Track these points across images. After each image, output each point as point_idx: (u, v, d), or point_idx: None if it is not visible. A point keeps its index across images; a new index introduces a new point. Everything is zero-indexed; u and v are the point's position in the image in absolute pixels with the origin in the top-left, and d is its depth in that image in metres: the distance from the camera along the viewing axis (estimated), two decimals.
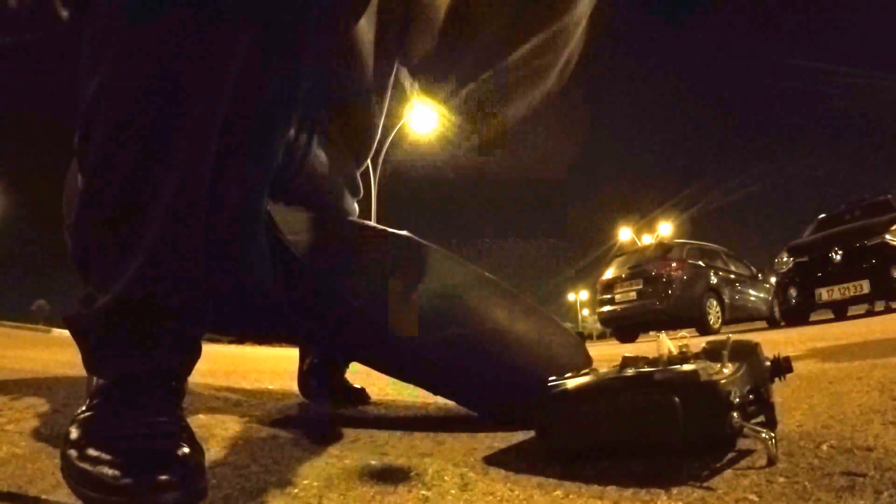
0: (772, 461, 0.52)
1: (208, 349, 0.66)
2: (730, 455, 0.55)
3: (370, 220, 0.98)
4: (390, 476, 0.57)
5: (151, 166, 0.52)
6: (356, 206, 1.03)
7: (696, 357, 0.58)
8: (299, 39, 0.57)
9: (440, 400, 0.95)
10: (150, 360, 0.56)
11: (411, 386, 0.90)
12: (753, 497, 0.45)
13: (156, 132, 0.51)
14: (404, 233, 0.93)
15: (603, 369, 0.63)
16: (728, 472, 0.51)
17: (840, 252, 5.57)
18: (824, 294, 5.68)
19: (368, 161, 1.06)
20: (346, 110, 0.93)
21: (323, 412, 1.08)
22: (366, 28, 0.87)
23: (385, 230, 0.93)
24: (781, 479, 0.49)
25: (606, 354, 2.28)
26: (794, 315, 6.33)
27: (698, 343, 0.63)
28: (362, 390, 1.18)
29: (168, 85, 0.50)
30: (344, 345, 0.93)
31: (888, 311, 5.74)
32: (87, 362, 0.59)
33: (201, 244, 0.55)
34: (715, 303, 7.71)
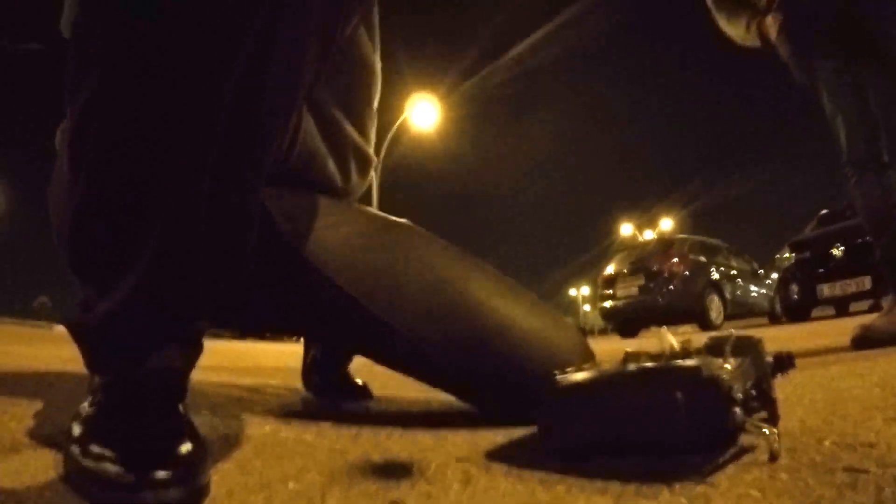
0: (774, 457, 0.52)
1: (210, 345, 0.66)
2: (732, 450, 0.55)
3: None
4: (393, 471, 0.57)
5: (151, 173, 0.51)
6: (362, 180, 1.00)
7: (698, 352, 0.58)
8: (302, 40, 0.56)
9: (442, 396, 0.95)
10: (151, 359, 0.56)
11: (413, 381, 0.90)
12: (755, 493, 0.45)
13: (154, 139, 0.51)
14: (405, 221, 0.92)
15: (605, 365, 0.63)
16: (730, 468, 0.51)
17: (842, 248, 5.56)
18: (826, 290, 5.68)
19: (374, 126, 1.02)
20: (339, 74, 0.90)
21: (325, 407, 1.08)
22: None
23: (386, 218, 0.92)
24: (783, 475, 0.49)
25: (608, 350, 2.27)
26: (796, 311, 6.33)
27: (699, 339, 0.63)
28: (365, 385, 1.18)
29: (166, 90, 0.50)
30: (344, 337, 0.93)
31: None
32: (89, 363, 0.59)
33: (202, 244, 0.55)
34: (716, 298, 7.72)
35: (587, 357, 0.84)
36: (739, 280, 8.35)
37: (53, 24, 0.72)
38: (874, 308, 5.53)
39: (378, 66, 0.98)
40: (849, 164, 1.79)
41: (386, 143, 10.16)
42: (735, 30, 1.94)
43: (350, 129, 0.94)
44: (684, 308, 7.48)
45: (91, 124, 0.51)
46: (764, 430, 0.52)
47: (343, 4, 0.63)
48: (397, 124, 10.41)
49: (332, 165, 0.92)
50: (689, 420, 0.50)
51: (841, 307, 6.67)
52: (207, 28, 0.49)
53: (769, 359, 0.58)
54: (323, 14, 0.58)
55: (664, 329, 0.62)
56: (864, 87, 1.75)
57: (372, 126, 1.01)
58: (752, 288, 8.62)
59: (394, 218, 0.93)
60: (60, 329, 0.80)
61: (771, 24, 1.86)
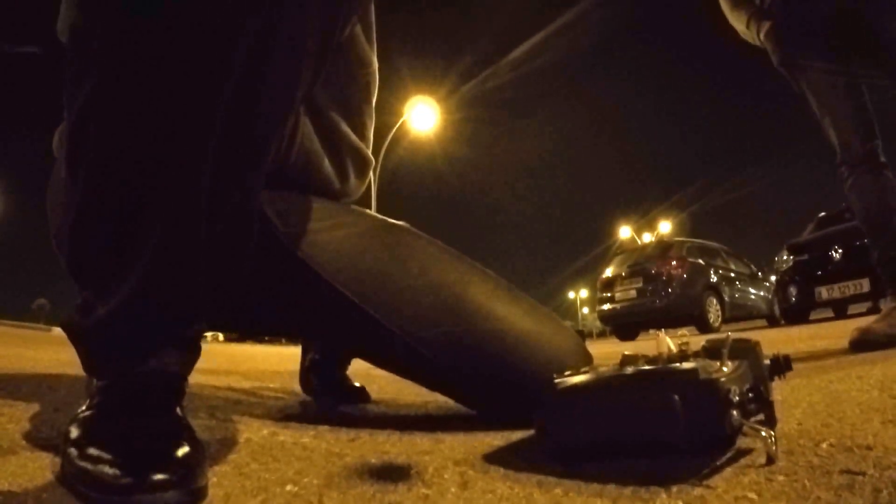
0: (771, 459, 0.52)
1: (208, 348, 0.66)
2: (729, 453, 0.55)
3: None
4: (390, 474, 0.57)
5: (150, 174, 0.51)
6: (360, 182, 1.00)
7: (696, 355, 0.58)
8: (301, 39, 0.56)
9: (440, 398, 0.95)
10: (150, 363, 0.56)
11: (411, 384, 0.90)
12: (753, 495, 0.45)
13: (153, 141, 0.51)
14: (403, 224, 0.92)
15: (602, 367, 0.63)
16: (727, 471, 0.51)
17: (840, 250, 5.56)
18: (824, 292, 5.68)
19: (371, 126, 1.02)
20: (337, 73, 0.90)
21: (323, 410, 1.08)
22: None
23: (384, 220, 0.92)
24: (781, 478, 0.49)
25: (606, 352, 2.28)
26: (794, 313, 6.33)
27: (698, 341, 0.63)
28: (363, 389, 1.18)
29: (165, 92, 0.50)
30: (342, 340, 0.93)
31: None
32: (87, 366, 0.59)
33: (201, 248, 0.55)
34: (714, 301, 7.72)
35: (585, 360, 0.84)
36: (738, 283, 8.36)
37: (52, 24, 0.72)
38: (872, 310, 5.54)
39: (375, 63, 0.99)
40: (844, 165, 1.78)
41: (385, 146, 10.16)
42: (738, 24, 1.94)
43: (348, 132, 0.94)
44: (683, 311, 7.49)
45: (90, 125, 0.51)
46: (761, 432, 0.52)
47: (342, 5, 0.63)
48: (396, 127, 10.42)
49: (329, 168, 0.92)
50: (687, 423, 0.50)
51: (839, 310, 6.66)
52: (207, 28, 0.49)
53: (766, 361, 0.59)
54: (322, 14, 0.58)
55: (662, 332, 0.63)
56: (858, 87, 1.74)
57: (370, 125, 1.01)
58: (751, 290, 8.63)
59: (392, 220, 0.93)
60: (59, 331, 0.80)
61: (760, 26, 1.85)
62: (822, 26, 1.75)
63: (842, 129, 1.75)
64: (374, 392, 1.20)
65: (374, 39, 0.97)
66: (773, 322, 8.20)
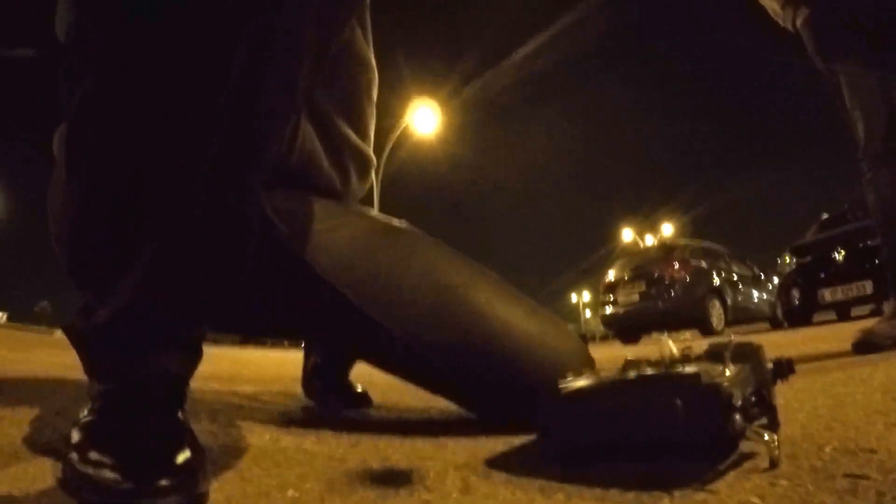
0: (774, 463, 0.52)
1: (210, 352, 0.66)
2: (732, 457, 0.55)
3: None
4: (392, 479, 0.57)
5: (149, 177, 0.51)
6: (362, 182, 1.00)
7: (699, 359, 0.58)
8: (299, 42, 0.56)
9: (442, 403, 0.95)
10: (151, 366, 0.56)
11: (413, 389, 0.90)
12: (756, 499, 0.45)
13: (152, 142, 0.51)
14: (405, 225, 0.92)
15: (605, 371, 0.63)
16: (730, 475, 0.51)
17: (843, 252, 5.55)
18: (827, 295, 5.66)
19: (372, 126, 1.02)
20: (337, 74, 0.90)
21: (325, 415, 1.08)
22: None
23: (386, 221, 0.92)
24: (784, 482, 0.49)
25: (609, 356, 2.27)
26: (797, 316, 6.31)
27: (701, 345, 0.63)
28: (365, 393, 1.18)
29: (164, 91, 0.50)
30: (343, 342, 0.93)
31: None
32: (88, 369, 0.59)
33: (201, 249, 0.55)
34: (717, 304, 7.70)
35: (587, 364, 0.84)
36: (741, 285, 8.34)
37: (50, 24, 0.72)
38: (876, 312, 5.52)
39: (374, 62, 0.99)
40: (865, 159, 1.76)
41: (387, 148, 10.18)
42: (772, 2, 1.91)
43: (349, 132, 0.94)
44: (685, 314, 7.47)
45: (89, 125, 0.51)
46: (764, 436, 0.52)
47: (340, 6, 0.63)
48: (399, 130, 10.43)
49: (330, 169, 0.92)
50: (689, 427, 0.50)
51: (842, 312, 6.64)
52: (207, 28, 0.49)
53: (769, 365, 0.58)
54: (321, 14, 0.58)
55: (664, 336, 0.62)
56: (889, 83, 1.72)
57: (371, 125, 1.01)
58: (754, 293, 8.61)
59: (395, 221, 0.92)
60: (61, 334, 0.80)
61: (797, 13, 1.83)
62: (861, 21, 1.72)
63: (869, 125, 1.73)
64: (376, 397, 1.20)
65: (371, 39, 0.97)
66: (776, 325, 8.18)
